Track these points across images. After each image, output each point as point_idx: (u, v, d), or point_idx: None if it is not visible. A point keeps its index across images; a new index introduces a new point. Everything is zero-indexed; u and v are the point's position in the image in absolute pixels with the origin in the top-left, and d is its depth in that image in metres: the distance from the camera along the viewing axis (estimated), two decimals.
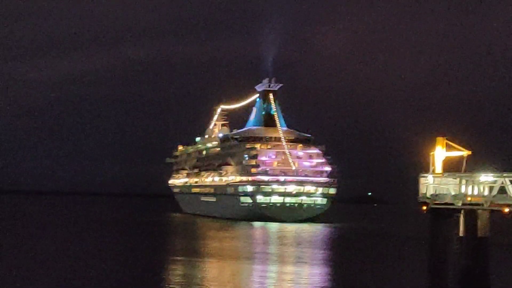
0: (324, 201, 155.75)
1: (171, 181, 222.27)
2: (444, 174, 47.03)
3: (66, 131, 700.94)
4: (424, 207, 46.14)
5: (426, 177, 47.06)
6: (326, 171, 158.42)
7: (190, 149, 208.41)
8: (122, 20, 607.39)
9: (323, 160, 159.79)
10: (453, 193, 45.09)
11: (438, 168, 47.58)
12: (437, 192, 46.03)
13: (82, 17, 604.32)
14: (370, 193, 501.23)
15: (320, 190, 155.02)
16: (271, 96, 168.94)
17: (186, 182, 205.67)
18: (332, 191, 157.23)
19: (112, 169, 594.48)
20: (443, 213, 45.07)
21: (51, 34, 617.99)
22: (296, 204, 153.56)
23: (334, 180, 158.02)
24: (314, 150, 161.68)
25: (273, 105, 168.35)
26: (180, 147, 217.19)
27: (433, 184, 46.54)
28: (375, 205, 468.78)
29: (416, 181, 47.74)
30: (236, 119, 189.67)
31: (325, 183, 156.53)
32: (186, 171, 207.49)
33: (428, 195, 46.26)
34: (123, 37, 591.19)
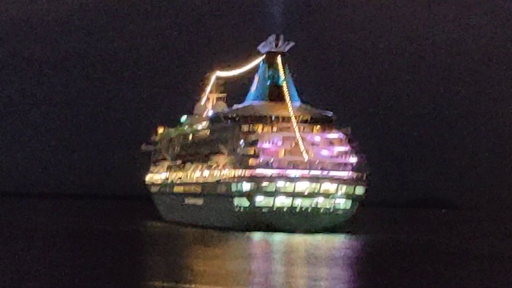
0: (349, 204, 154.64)
1: (148, 177, 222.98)
2: None
3: None
4: None
5: None
6: (352, 164, 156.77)
7: (174, 132, 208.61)
8: None
9: (348, 148, 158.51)
10: None
11: None
12: None
13: None
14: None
15: (343, 189, 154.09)
16: (278, 59, 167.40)
17: (167, 179, 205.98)
18: (360, 190, 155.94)
19: (66, 161, 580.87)
20: None
21: None
22: (309, 209, 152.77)
23: (362, 176, 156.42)
24: (336, 134, 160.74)
25: (281, 72, 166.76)
26: (161, 130, 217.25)
27: None
28: (443, 210, 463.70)
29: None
30: (237, 91, 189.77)
31: (351, 179, 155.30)
32: (167, 163, 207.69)
33: None
34: None
